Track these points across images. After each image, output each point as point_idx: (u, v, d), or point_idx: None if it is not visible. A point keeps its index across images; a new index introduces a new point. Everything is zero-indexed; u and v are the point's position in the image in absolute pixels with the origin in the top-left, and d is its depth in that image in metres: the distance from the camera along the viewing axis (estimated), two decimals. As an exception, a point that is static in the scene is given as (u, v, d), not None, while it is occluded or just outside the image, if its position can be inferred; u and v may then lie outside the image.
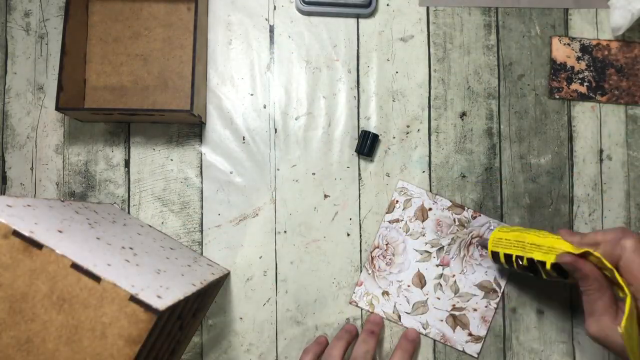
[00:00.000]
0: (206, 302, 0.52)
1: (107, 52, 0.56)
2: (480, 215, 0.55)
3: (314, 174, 0.56)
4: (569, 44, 0.57)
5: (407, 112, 0.56)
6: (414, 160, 0.56)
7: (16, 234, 0.34)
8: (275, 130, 0.56)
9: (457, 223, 0.55)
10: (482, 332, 0.54)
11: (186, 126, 0.56)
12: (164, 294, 0.36)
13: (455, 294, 0.54)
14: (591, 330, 0.42)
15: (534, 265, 0.46)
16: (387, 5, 0.57)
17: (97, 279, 0.33)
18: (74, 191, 0.55)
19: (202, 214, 0.55)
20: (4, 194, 0.55)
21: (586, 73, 0.56)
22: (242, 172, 0.56)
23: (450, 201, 0.55)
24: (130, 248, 0.43)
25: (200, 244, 0.55)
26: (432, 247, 0.55)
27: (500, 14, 0.57)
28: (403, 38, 0.57)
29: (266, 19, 0.57)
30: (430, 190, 0.56)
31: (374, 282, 0.55)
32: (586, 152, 0.56)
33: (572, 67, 0.56)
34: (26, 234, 0.34)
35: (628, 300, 0.40)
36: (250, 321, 0.54)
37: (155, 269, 0.41)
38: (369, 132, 0.54)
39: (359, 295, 0.54)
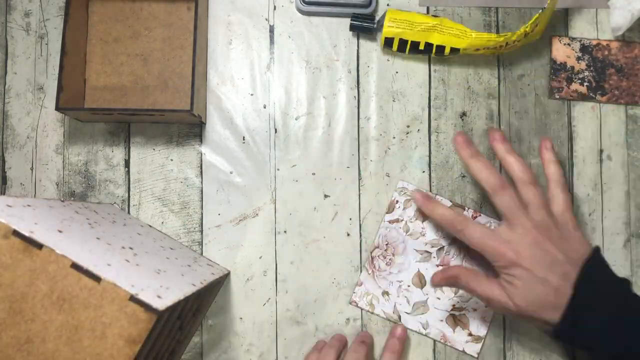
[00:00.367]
0: (206, 302, 0.52)
1: (107, 52, 0.56)
2: (480, 215, 0.55)
3: (314, 174, 0.56)
4: (569, 44, 0.57)
5: (407, 112, 0.56)
6: (414, 160, 0.56)
7: (16, 234, 0.34)
8: (275, 130, 0.56)
9: (457, 223, 0.55)
10: (482, 332, 0.54)
11: (186, 126, 0.56)
12: (164, 294, 0.36)
13: (455, 293, 0.54)
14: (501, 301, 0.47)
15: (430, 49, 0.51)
16: (387, 5, 0.57)
17: (97, 279, 0.33)
18: (74, 191, 0.55)
19: (202, 214, 0.55)
20: (4, 194, 0.55)
21: (586, 73, 0.56)
22: (242, 172, 0.56)
23: (451, 201, 0.55)
24: (130, 248, 0.43)
25: (200, 244, 0.55)
26: (432, 247, 0.55)
27: (500, 14, 0.57)
28: (403, 38, 0.57)
29: (266, 19, 0.57)
30: (431, 190, 0.56)
31: (374, 282, 0.55)
32: (586, 152, 0.56)
33: (572, 67, 0.56)
34: (26, 234, 0.34)
35: None
36: (250, 321, 0.54)
37: (155, 269, 0.41)
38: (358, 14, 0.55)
39: (359, 295, 0.54)
